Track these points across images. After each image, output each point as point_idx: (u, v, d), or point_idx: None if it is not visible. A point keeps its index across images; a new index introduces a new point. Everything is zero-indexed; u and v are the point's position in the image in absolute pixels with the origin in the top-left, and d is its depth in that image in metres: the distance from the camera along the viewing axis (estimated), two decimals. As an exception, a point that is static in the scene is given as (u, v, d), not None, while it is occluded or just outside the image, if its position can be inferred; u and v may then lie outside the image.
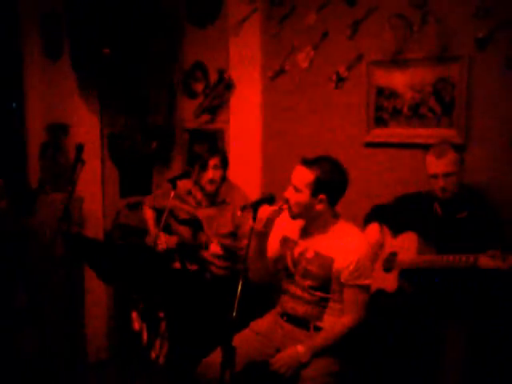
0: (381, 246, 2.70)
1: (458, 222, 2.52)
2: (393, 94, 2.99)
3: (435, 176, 2.52)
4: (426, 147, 2.67)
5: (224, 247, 2.93)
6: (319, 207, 2.31)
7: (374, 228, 2.75)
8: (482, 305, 2.45)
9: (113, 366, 3.75)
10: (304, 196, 2.30)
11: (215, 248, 2.97)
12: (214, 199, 3.19)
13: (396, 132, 3.01)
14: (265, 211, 2.30)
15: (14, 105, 4.54)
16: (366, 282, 2.33)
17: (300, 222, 2.45)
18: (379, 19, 2.99)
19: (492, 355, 2.44)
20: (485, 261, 2.24)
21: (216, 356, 2.25)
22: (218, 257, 3.04)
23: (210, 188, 3.12)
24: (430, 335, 2.49)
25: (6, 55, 4.27)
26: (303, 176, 2.30)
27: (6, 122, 4.50)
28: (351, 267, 2.28)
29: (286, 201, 2.34)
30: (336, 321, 2.34)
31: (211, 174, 3.08)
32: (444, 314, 2.50)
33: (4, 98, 4.53)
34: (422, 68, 2.88)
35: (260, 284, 2.56)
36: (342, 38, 3.13)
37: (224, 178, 3.19)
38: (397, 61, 2.95)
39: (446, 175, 2.48)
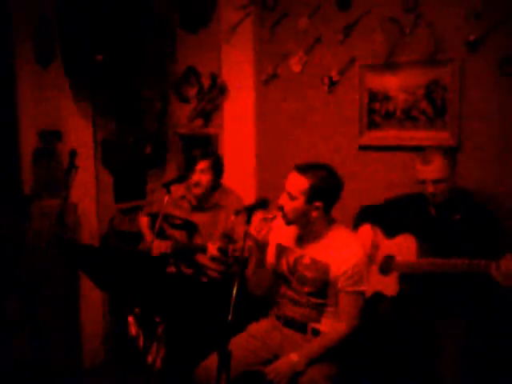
0: (376, 247, 2.69)
1: (452, 223, 2.52)
2: (385, 97, 3.01)
3: (423, 182, 2.51)
4: (418, 149, 2.68)
5: (220, 249, 2.92)
6: (315, 214, 2.31)
7: (366, 229, 2.72)
8: (479, 304, 2.47)
9: (109, 370, 3.73)
10: (299, 203, 2.29)
11: (213, 250, 2.95)
12: (203, 204, 3.18)
13: (389, 135, 3.03)
14: (257, 220, 2.28)
15: (5, 111, 4.52)
16: (362, 288, 2.32)
17: (294, 229, 2.44)
18: (371, 23, 3.02)
19: (489, 353, 2.45)
20: (498, 267, 2.20)
21: (212, 360, 2.26)
22: (215, 259, 3.03)
23: (195, 191, 3.11)
24: (427, 335, 2.50)
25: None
26: (298, 183, 2.29)
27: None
28: (347, 274, 2.28)
29: (281, 208, 2.32)
30: (333, 323, 2.34)
31: (197, 177, 3.07)
32: (441, 314, 2.51)
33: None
34: (414, 71, 2.90)
35: (260, 296, 2.56)
36: (334, 42, 3.15)
37: (217, 184, 3.18)
38: (389, 64, 2.97)
39: (435, 181, 2.47)
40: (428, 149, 2.58)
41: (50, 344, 3.46)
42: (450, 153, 2.57)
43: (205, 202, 3.18)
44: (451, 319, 2.48)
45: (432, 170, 2.47)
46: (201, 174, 3.08)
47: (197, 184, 3.08)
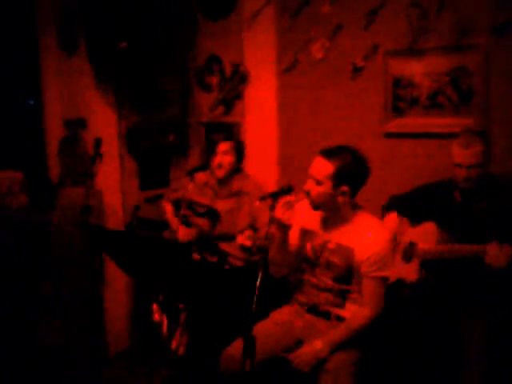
0: (401, 234, 2.68)
1: (477, 210, 2.50)
2: (410, 84, 2.97)
3: (460, 165, 2.47)
4: (444, 136, 2.66)
5: (251, 238, 2.92)
6: (341, 199, 2.29)
7: (392, 217, 2.71)
8: (501, 293, 2.45)
9: (133, 356, 3.79)
10: (325, 188, 2.27)
11: (243, 240, 2.96)
12: (228, 189, 3.20)
13: (414, 122, 2.99)
14: (280, 204, 2.27)
15: (31, 101, 4.59)
16: (386, 273, 2.32)
17: (319, 214, 2.43)
18: (395, 8, 2.97)
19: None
20: (490, 251, 2.24)
21: (236, 346, 2.28)
22: (245, 249, 3.04)
23: (218, 173, 3.13)
24: (450, 324, 2.49)
25: (22, 51, 4.31)
26: (324, 168, 2.26)
27: (25, 118, 4.55)
28: (372, 259, 2.27)
29: (308, 193, 2.31)
30: (357, 309, 2.34)
31: (219, 158, 3.09)
32: (464, 302, 2.50)
33: (22, 94, 4.59)
34: (439, 57, 2.86)
35: (279, 278, 2.57)
36: (357, 28, 3.11)
37: (238, 168, 3.21)
38: (413, 50, 2.93)
39: (471, 167, 2.44)
40: (467, 132, 2.52)
41: (75, 329, 3.53)
42: (488, 139, 2.53)
43: (227, 186, 3.19)
44: (473, 307, 2.47)
45: (470, 154, 2.43)
46: (223, 156, 3.10)
47: (219, 165, 3.10)
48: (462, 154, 2.45)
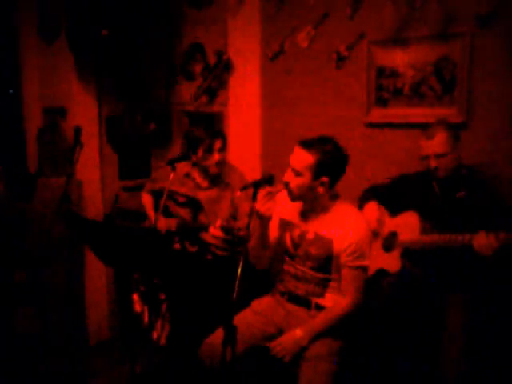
0: (381, 223, 2.68)
1: (456, 201, 2.50)
2: (393, 74, 2.96)
3: (427, 157, 2.50)
4: (426, 127, 2.64)
5: (224, 229, 2.92)
6: (320, 190, 2.27)
7: (371, 206, 2.70)
8: (479, 279, 2.45)
9: (114, 347, 3.76)
10: (305, 179, 2.25)
11: (214, 230, 2.96)
12: (215, 180, 3.18)
13: (396, 112, 2.98)
14: (261, 195, 2.24)
15: (10, 91, 4.50)
16: (365, 262, 2.31)
17: (297, 204, 2.42)
18: (380, -3, 2.96)
19: (491, 327, 2.45)
20: (478, 240, 2.24)
21: (217, 336, 2.26)
22: (218, 238, 3.03)
23: (215, 170, 3.13)
24: (432, 313, 2.49)
25: (1, 39, 4.23)
26: (303, 159, 2.24)
27: (4, 107, 4.46)
28: (350, 248, 2.26)
29: (286, 184, 2.29)
30: (337, 299, 2.33)
31: (217, 156, 3.09)
32: (445, 291, 2.50)
33: (0, 83, 4.50)
34: (424, 46, 2.85)
35: (259, 268, 2.54)
36: (342, 16, 3.10)
37: (224, 161, 3.19)
38: (398, 40, 2.92)
39: (438, 156, 2.46)
40: (435, 123, 2.56)
41: (55, 319, 3.48)
42: (454, 127, 2.54)
43: (219, 178, 3.18)
44: (452, 295, 2.48)
45: (435, 144, 2.46)
46: (220, 153, 3.10)
47: (218, 163, 3.10)
48: (427, 145, 2.48)
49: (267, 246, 2.45)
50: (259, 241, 2.40)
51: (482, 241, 2.23)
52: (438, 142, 2.46)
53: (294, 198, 2.33)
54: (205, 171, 3.17)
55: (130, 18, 3.50)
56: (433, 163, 2.47)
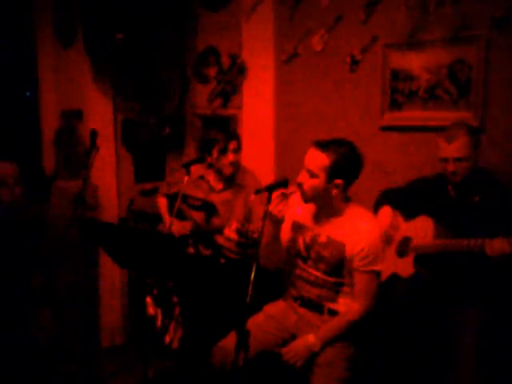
0: (395, 229, 2.66)
1: (471, 205, 2.47)
2: (408, 77, 2.94)
3: (445, 160, 2.45)
4: (441, 130, 2.62)
5: (238, 231, 2.92)
6: (334, 192, 2.25)
7: (386, 211, 2.69)
8: (493, 290, 2.42)
9: (127, 350, 3.78)
10: (319, 181, 2.22)
11: (230, 232, 2.96)
12: (230, 183, 3.19)
13: (411, 115, 2.96)
14: (274, 196, 2.23)
15: (28, 93, 4.56)
16: (378, 267, 2.29)
17: (311, 207, 2.40)
18: (394, 0, 2.94)
19: (504, 340, 2.42)
20: (491, 244, 2.20)
21: (230, 340, 2.27)
22: (232, 241, 3.03)
23: (229, 171, 3.14)
24: (443, 320, 2.47)
25: (19, 43, 4.28)
26: (318, 160, 2.21)
27: (21, 110, 4.52)
28: (363, 253, 2.24)
29: (300, 185, 2.28)
30: (350, 303, 2.32)
31: (232, 156, 3.11)
32: (457, 299, 2.47)
33: (18, 85, 4.55)
34: (438, 49, 2.83)
35: (270, 270, 2.54)
36: (356, 20, 3.09)
37: (239, 162, 3.20)
38: (412, 43, 2.90)
39: (457, 160, 2.41)
40: (452, 126, 2.51)
41: (69, 322, 3.51)
42: (474, 131, 2.50)
43: (233, 180, 3.20)
44: (464, 306, 2.45)
45: (455, 147, 2.41)
46: (234, 154, 3.12)
47: (232, 164, 3.12)
48: (447, 148, 2.43)
49: (278, 248, 2.44)
50: (270, 243, 2.39)
51: (496, 246, 2.19)
52: (458, 147, 2.41)
53: (307, 199, 2.32)
54: (219, 172, 3.18)
55: (144, 22, 3.52)
56: (450, 167, 2.44)
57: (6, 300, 2.99)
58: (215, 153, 3.11)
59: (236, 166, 3.16)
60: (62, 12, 3.94)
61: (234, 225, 2.94)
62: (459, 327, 2.41)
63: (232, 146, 3.11)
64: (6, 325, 2.97)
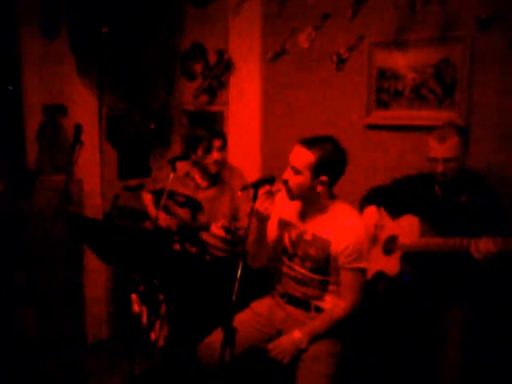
0: (380, 227, 2.68)
1: (457, 205, 2.49)
2: (394, 76, 2.97)
3: (435, 160, 2.46)
4: (427, 129, 2.64)
5: (225, 228, 2.92)
6: (319, 189, 2.26)
7: (371, 210, 2.71)
8: (478, 288, 2.46)
9: (112, 347, 3.76)
10: (304, 178, 2.24)
11: (216, 229, 2.96)
12: (215, 180, 3.19)
13: (397, 114, 2.99)
14: (261, 194, 2.23)
15: (10, 87, 4.49)
16: (363, 265, 2.30)
17: (296, 204, 2.41)
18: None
19: (489, 337, 2.45)
20: (476, 245, 2.22)
21: (216, 337, 2.27)
22: (218, 238, 3.03)
23: (214, 169, 3.13)
24: (429, 317, 2.50)
25: (1, 36, 4.21)
26: (303, 157, 2.24)
27: (4, 105, 4.45)
28: (348, 250, 2.25)
29: (285, 182, 2.29)
30: (336, 301, 2.33)
31: (216, 155, 3.09)
32: (443, 296, 2.50)
33: (1, 79, 4.48)
34: (424, 49, 2.85)
35: (257, 268, 2.54)
36: (343, 18, 3.10)
37: (224, 160, 3.19)
38: (398, 42, 2.92)
39: (447, 160, 2.42)
40: (444, 126, 2.51)
41: (53, 319, 3.48)
42: (464, 131, 2.51)
43: (217, 178, 3.18)
44: (452, 300, 2.48)
45: (446, 148, 2.42)
46: (219, 152, 3.10)
47: (216, 162, 3.10)
48: (438, 148, 2.43)
49: (264, 246, 2.44)
50: (256, 241, 2.39)
51: (482, 245, 2.22)
52: (449, 147, 2.41)
53: (292, 196, 2.33)
54: (204, 170, 3.17)
55: (130, 16, 3.49)
56: (440, 167, 2.44)
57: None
58: (200, 151, 3.10)
59: (221, 164, 3.15)
60: (46, 4, 3.89)
61: (221, 222, 2.95)
62: (445, 322, 2.44)
63: (217, 144, 3.09)
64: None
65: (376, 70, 3.02)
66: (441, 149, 2.43)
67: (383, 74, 3.01)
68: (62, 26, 3.70)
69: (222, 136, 3.17)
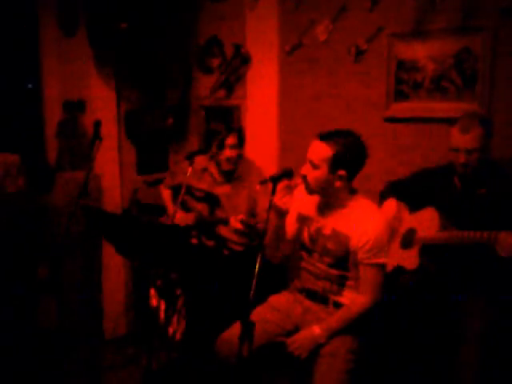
0: (399, 221, 2.64)
1: (477, 197, 2.45)
2: (413, 67, 2.92)
3: (457, 150, 2.40)
4: (447, 121, 2.60)
5: (243, 222, 2.90)
6: (338, 183, 2.24)
7: (390, 203, 2.68)
8: (499, 281, 2.41)
9: (130, 341, 3.77)
10: (322, 172, 2.21)
11: (235, 223, 2.94)
12: (229, 176, 3.18)
13: (417, 106, 2.95)
14: (279, 188, 2.21)
15: (30, 84, 4.54)
16: (383, 260, 2.27)
17: (316, 199, 2.39)
18: (400, -11, 2.92)
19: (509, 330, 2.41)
20: (503, 237, 2.18)
21: (234, 331, 2.25)
22: (237, 232, 3.02)
23: (227, 166, 3.11)
24: (448, 311, 2.46)
25: (21, 33, 4.26)
26: (321, 151, 2.21)
27: (23, 101, 4.50)
28: (367, 246, 2.23)
29: (304, 177, 2.27)
30: (355, 296, 2.31)
31: (228, 152, 3.07)
32: (462, 290, 2.46)
33: (20, 76, 4.53)
34: (444, 39, 2.80)
35: (275, 263, 2.53)
36: (361, 9, 3.06)
37: (241, 156, 3.17)
38: (418, 32, 2.87)
39: (469, 151, 2.37)
40: (468, 116, 2.45)
41: (72, 313, 3.51)
42: (487, 122, 2.45)
43: (233, 174, 3.17)
44: (473, 295, 2.43)
45: (469, 139, 2.36)
46: (231, 150, 3.08)
47: (229, 159, 3.08)
48: (462, 139, 2.38)
49: (283, 241, 2.43)
50: (275, 235, 2.38)
51: (507, 239, 2.17)
52: (472, 138, 2.36)
53: (311, 191, 2.30)
54: (219, 166, 3.16)
55: (148, 11, 3.50)
56: (462, 158, 2.38)
57: (11, 291, 3.00)
58: (214, 146, 3.09)
59: (233, 162, 3.11)
60: (66, 1, 3.92)
61: (240, 215, 2.93)
62: (465, 316, 2.40)
63: (229, 141, 3.06)
64: (12, 315, 2.99)
65: (395, 62, 2.98)
66: (464, 139, 2.38)
67: (402, 66, 2.96)
68: (81, 23, 3.72)
69: (238, 132, 3.13)
